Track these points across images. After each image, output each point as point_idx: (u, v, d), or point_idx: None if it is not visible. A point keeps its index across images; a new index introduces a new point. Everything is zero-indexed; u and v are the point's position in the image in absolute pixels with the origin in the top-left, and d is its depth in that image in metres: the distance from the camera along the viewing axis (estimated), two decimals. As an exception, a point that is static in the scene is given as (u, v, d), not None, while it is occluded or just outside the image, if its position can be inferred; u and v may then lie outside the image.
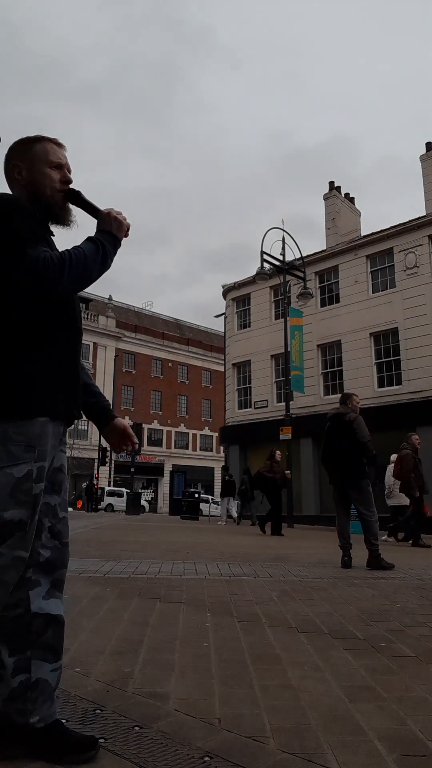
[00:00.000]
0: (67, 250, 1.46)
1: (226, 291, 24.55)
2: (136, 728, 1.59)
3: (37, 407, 1.40)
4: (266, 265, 17.19)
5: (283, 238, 18.13)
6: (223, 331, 25.95)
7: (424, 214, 18.73)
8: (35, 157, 1.58)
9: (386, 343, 18.87)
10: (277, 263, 17.73)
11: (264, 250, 16.99)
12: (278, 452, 12.35)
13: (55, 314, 1.47)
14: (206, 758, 1.42)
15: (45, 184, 1.57)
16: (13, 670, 1.40)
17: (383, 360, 18.91)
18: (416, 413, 16.79)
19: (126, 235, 1.60)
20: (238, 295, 24.08)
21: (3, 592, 1.35)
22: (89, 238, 1.52)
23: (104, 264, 1.52)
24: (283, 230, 18.11)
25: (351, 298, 19.86)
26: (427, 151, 20.23)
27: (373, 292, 19.48)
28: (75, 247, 1.47)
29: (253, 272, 18.46)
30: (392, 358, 18.61)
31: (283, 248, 18.08)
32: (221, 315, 25.65)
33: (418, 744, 1.55)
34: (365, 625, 2.97)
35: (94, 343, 39.62)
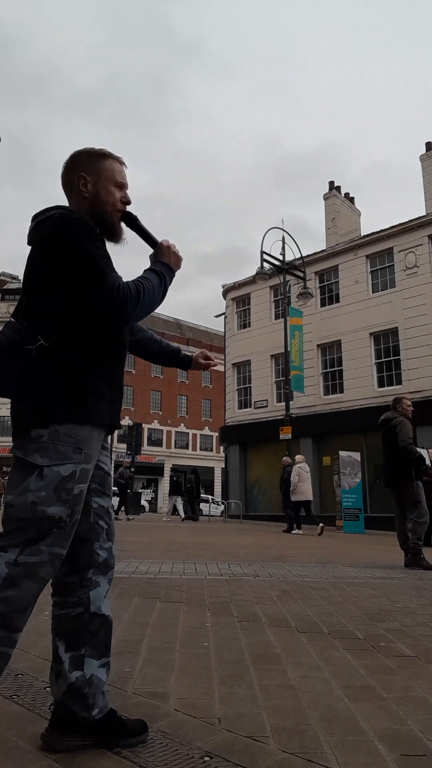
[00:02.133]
0: (139, 281, 1.52)
1: (226, 291, 24.54)
2: (136, 728, 1.59)
3: (90, 415, 1.47)
4: (266, 265, 17.20)
5: (283, 238, 18.15)
6: (223, 331, 25.95)
7: (423, 213, 18.74)
8: (103, 173, 1.61)
9: (386, 343, 18.87)
10: (276, 263, 17.73)
11: (263, 250, 17.00)
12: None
13: (109, 331, 1.54)
14: (206, 758, 1.42)
15: (108, 201, 1.60)
16: (69, 667, 1.47)
17: (383, 360, 18.90)
18: (416, 413, 16.71)
19: (179, 268, 1.68)
20: (238, 295, 24.07)
21: (38, 587, 1.39)
22: (153, 270, 1.59)
23: (164, 296, 1.59)
24: (283, 230, 18.12)
25: (351, 298, 19.85)
26: (427, 151, 20.23)
27: (373, 292, 19.48)
28: (145, 279, 1.54)
29: (248, 274, 18.56)
30: (392, 358, 18.61)
31: (283, 248, 18.09)
32: (221, 315, 25.64)
33: (418, 744, 1.55)
34: (365, 625, 2.97)
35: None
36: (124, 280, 1.50)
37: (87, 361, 1.48)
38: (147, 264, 1.65)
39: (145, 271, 1.60)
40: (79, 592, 1.51)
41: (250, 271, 17.03)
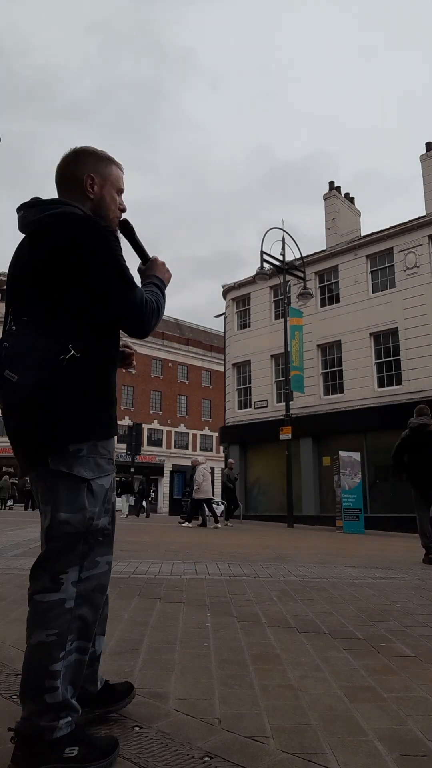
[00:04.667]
0: (155, 295, 1.54)
1: (226, 291, 24.54)
2: (136, 728, 1.59)
3: (114, 427, 1.52)
4: (266, 265, 17.19)
5: (283, 238, 18.14)
6: (223, 331, 25.94)
7: (423, 213, 18.74)
8: (110, 177, 1.61)
9: (386, 343, 18.87)
10: (276, 263, 17.73)
11: (263, 250, 16.99)
12: None
13: (117, 342, 1.56)
14: (206, 758, 1.42)
15: (110, 207, 1.61)
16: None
17: (383, 360, 18.90)
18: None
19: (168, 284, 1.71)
20: (238, 295, 24.07)
21: (103, 596, 1.51)
22: (155, 284, 1.61)
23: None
24: (283, 230, 18.12)
25: (351, 298, 19.85)
26: (427, 151, 20.23)
27: (373, 292, 19.48)
28: (155, 294, 1.56)
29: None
30: (392, 358, 18.61)
31: (283, 248, 18.08)
32: (221, 315, 25.65)
33: (418, 744, 1.55)
34: (365, 625, 2.97)
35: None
36: None
37: (107, 372, 1.49)
38: None
39: (149, 284, 1.61)
40: None
41: (244, 274, 17.16)
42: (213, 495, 13.97)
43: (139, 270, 1.69)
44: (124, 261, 1.49)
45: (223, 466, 20.31)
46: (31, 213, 1.54)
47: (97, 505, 1.44)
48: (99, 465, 1.45)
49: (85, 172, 1.57)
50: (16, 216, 1.60)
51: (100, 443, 1.46)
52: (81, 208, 1.54)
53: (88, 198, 1.57)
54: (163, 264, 1.68)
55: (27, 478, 1.53)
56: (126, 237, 1.66)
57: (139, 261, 1.73)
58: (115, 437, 1.61)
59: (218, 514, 17.89)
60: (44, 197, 1.60)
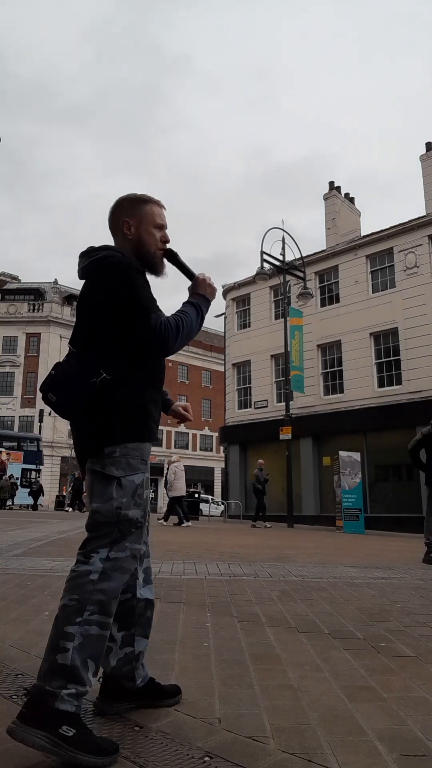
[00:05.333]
0: (179, 316, 1.71)
1: (226, 291, 24.54)
2: (136, 728, 1.59)
3: (148, 434, 1.71)
4: (266, 265, 17.19)
5: (283, 239, 18.14)
6: (223, 331, 25.95)
7: (423, 213, 18.74)
8: (144, 217, 1.81)
9: (386, 343, 18.87)
10: (276, 263, 17.73)
11: (263, 250, 16.99)
12: None
13: (156, 362, 1.76)
14: (206, 758, 1.42)
15: (150, 242, 1.80)
16: (120, 644, 1.72)
17: (383, 360, 18.91)
18: (416, 413, 16.76)
19: (214, 298, 1.87)
20: (238, 295, 24.08)
21: (125, 577, 1.63)
22: (191, 303, 1.80)
23: (201, 325, 1.80)
24: (284, 231, 18.12)
25: (351, 298, 19.86)
26: (427, 151, 20.23)
27: (373, 292, 19.48)
28: (183, 313, 1.74)
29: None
30: (392, 358, 18.62)
31: (283, 248, 18.08)
32: (221, 315, 25.65)
33: (418, 744, 1.55)
34: (365, 625, 2.97)
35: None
36: (167, 314, 1.70)
37: (140, 389, 1.70)
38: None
39: (183, 303, 1.80)
40: (129, 580, 1.71)
41: (242, 274, 17.19)
42: (185, 493, 14.22)
43: (189, 289, 1.87)
44: (143, 291, 1.66)
45: (223, 467, 20.29)
46: (82, 261, 1.79)
47: (125, 496, 1.62)
48: (130, 464, 1.65)
49: (122, 218, 1.81)
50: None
51: (132, 446, 1.65)
52: (120, 251, 1.74)
53: (128, 240, 1.79)
54: (204, 280, 1.84)
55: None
56: (172, 263, 1.85)
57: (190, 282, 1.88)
58: (151, 441, 1.76)
59: (219, 514, 17.92)
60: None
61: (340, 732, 1.61)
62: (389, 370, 18.71)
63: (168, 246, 1.85)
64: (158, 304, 1.74)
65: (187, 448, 45.11)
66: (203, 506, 23.17)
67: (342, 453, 15.78)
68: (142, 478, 1.68)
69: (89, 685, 1.49)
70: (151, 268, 1.82)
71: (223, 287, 24.86)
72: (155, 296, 1.75)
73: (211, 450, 45.82)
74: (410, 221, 18.56)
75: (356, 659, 2.33)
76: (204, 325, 1.87)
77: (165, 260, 1.84)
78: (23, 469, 28.20)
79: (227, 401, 24.14)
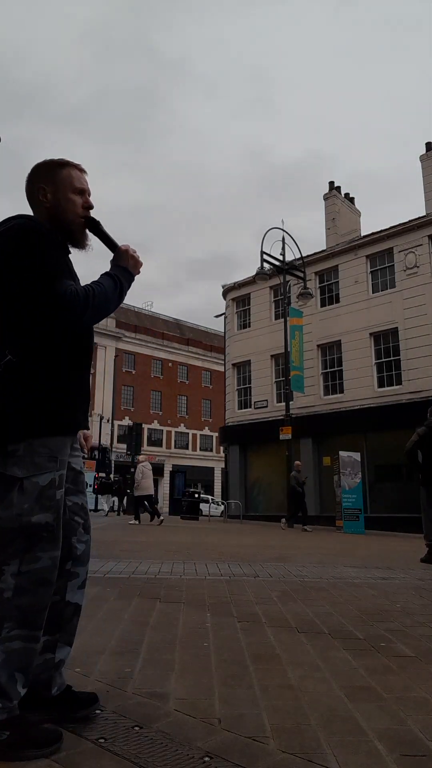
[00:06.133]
0: (90, 285, 1.56)
1: (226, 291, 24.54)
2: (136, 728, 1.59)
3: (59, 426, 1.54)
4: (266, 265, 17.19)
5: (283, 239, 18.15)
6: (223, 331, 25.95)
7: (423, 213, 18.74)
8: (61, 181, 1.66)
9: (386, 343, 18.87)
10: (276, 263, 17.73)
11: (263, 250, 17.00)
12: None
13: (73, 340, 1.59)
14: (206, 758, 1.42)
15: (68, 209, 1.65)
16: (42, 649, 1.56)
17: (383, 360, 18.91)
18: (416, 413, 16.72)
19: (138, 273, 1.72)
20: (238, 295, 24.07)
21: (48, 589, 1.51)
22: (108, 274, 1.64)
23: (120, 298, 1.65)
24: (284, 231, 18.12)
25: (351, 298, 19.86)
26: (427, 151, 20.23)
27: (373, 292, 19.48)
28: (96, 283, 1.59)
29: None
30: (392, 358, 18.61)
31: (283, 248, 18.09)
32: (221, 315, 25.65)
33: (418, 744, 1.55)
34: (365, 625, 2.97)
35: (95, 344, 39.54)
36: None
37: (53, 373, 1.53)
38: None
39: (101, 275, 1.64)
40: (58, 582, 1.57)
41: (242, 275, 17.15)
42: (153, 492, 14.58)
43: (111, 262, 1.72)
44: (49, 258, 1.52)
45: (223, 467, 20.30)
46: None
47: (28, 501, 1.47)
48: (36, 463, 1.49)
49: (37, 184, 1.66)
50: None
51: (38, 442, 1.49)
52: (32, 218, 1.61)
53: (45, 207, 1.65)
54: (127, 251, 1.69)
55: None
56: (93, 232, 1.70)
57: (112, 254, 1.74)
58: (64, 434, 1.58)
59: (219, 514, 17.92)
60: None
61: (340, 732, 1.61)
62: (389, 370, 18.71)
63: (91, 214, 1.69)
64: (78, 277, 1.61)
65: (187, 448, 45.12)
66: (203, 506, 23.20)
67: (342, 453, 15.78)
68: (51, 478, 1.50)
69: (18, 698, 1.44)
70: (71, 238, 1.67)
71: (223, 287, 24.87)
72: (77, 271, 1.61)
73: (211, 450, 45.82)
74: (410, 221, 18.56)
75: (356, 659, 2.33)
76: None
77: (88, 231, 1.70)
78: None
79: (227, 401, 24.14)
